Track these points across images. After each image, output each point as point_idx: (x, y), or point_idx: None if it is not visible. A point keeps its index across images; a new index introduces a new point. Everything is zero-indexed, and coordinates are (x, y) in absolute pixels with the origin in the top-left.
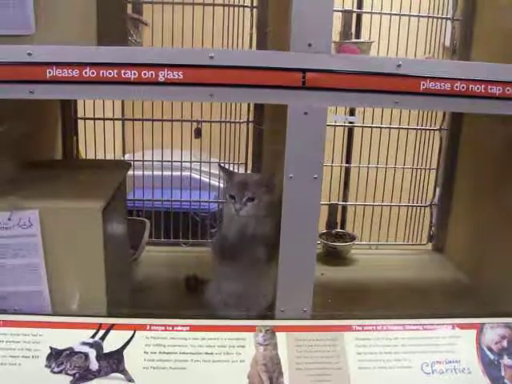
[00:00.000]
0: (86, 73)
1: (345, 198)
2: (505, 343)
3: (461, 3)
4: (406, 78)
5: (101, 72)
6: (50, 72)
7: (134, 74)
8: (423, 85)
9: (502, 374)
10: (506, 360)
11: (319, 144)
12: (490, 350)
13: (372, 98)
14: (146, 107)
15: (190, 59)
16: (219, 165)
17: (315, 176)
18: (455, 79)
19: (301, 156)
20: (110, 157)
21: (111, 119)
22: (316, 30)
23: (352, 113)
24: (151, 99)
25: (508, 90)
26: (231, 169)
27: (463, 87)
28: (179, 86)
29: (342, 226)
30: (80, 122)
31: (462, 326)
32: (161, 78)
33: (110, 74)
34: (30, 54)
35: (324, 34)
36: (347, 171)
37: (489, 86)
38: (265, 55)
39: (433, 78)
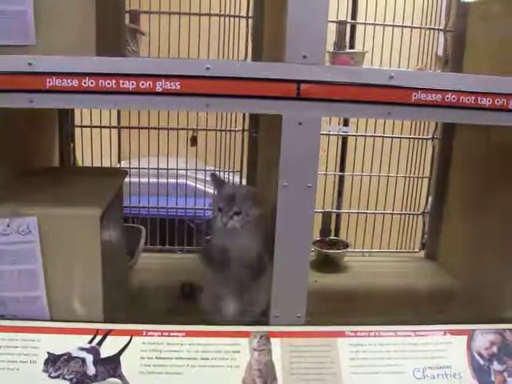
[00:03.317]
0: (85, 83)
1: (339, 206)
2: (495, 349)
3: (453, 14)
4: (398, 89)
5: (100, 82)
6: (49, 82)
7: (133, 84)
8: (415, 96)
9: (492, 379)
10: (495, 365)
11: (313, 153)
12: (481, 355)
13: (365, 109)
14: (143, 115)
15: (187, 70)
16: (212, 174)
17: (309, 185)
18: (446, 90)
19: (295, 165)
20: (106, 164)
21: (108, 127)
22: (310, 41)
23: (346, 123)
24: (149, 109)
25: (498, 102)
26: (226, 176)
27: (454, 98)
28: (176, 96)
29: (336, 234)
30: (77, 130)
31: (453, 332)
32: (158, 88)
33: (108, 84)
34: (30, 64)
35: (318, 46)
36: (341, 179)
37: (479, 98)
38: (260, 66)
39: (424, 90)
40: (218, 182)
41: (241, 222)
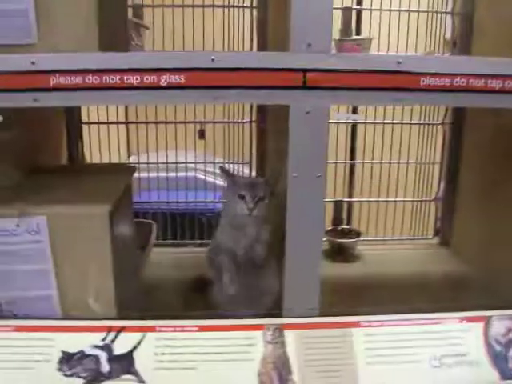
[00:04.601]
0: (89, 79)
1: (350, 195)
2: None
3: None
4: (406, 74)
5: (104, 78)
6: (53, 80)
7: (137, 79)
8: (423, 81)
9: (510, 365)
10: None
11: (322, 143)
12: (498, 342)
13: (373, 96)
14: (150, 109)
15: (191, 63)
16: (221, 167)
17: (319, 174)
18: (455, 74)
19: (304, 155)
20: (115, 160)
21: (115, 123)
22: (315, 29)
23: (354, 110)
24: (154, 103)
25: (508, 84)
26: (236, 168)
27: (463, 82)
28: (182, 90)
29: (348, 223)
30: (84, 127)
31: (469, 319)
32: (163, 83)
33: (112, 79)
34: (33, 63)
35: (324, 34)
36: (352, 168)
37: (489, 80)
38: (265, 56)
39: (433, 74)
40: (227, 173)
41: (264, 208)
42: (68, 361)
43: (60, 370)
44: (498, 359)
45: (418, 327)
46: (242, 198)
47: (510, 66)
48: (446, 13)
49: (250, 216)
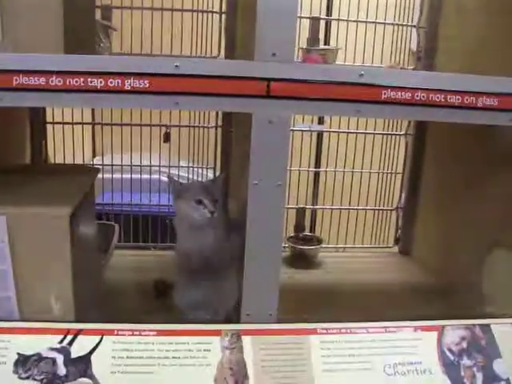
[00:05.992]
0: (52, 81)
1: (313, 202)
2: (464, 344)
3: (426, 11)
4: (367, 87)
5: (67, 80)
6: (16, 80)
7: (101, 82)
8: (384, 94)
9: (462, 374)
10: (465, 361)
11: (283, 152)
12: (451, 351)
13: (335, 107)
14: (116, 111)
15: (155, 68)
16: (169, 176)
17: (279, 183)
18: (416, 89)
19: (265, 163)
20: (79, 160)
21: (80, 123)
22: (280, 39)
23: (320, 120)
24: (118, 107)
25: (467, 100)
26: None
27: (423, 96)
28: (145, 95)
29: (311, 230)
30: (49, 126)
31: (423, 328)
32: (127, 87)
33: (76, 82)
34: None
35: (288, 44)
36: (316, 175)
37: (448, 96)
38: (229, 64)
39: (394, 88)
40: (176, 182)
41: (220, 210)
42: (24, 363)
43: (15, 372)
44: (450, 368)
45: (373, 335)
46: (200, 202)
47: (470, 82)
48: (411, 26)
49: (212, 218)
